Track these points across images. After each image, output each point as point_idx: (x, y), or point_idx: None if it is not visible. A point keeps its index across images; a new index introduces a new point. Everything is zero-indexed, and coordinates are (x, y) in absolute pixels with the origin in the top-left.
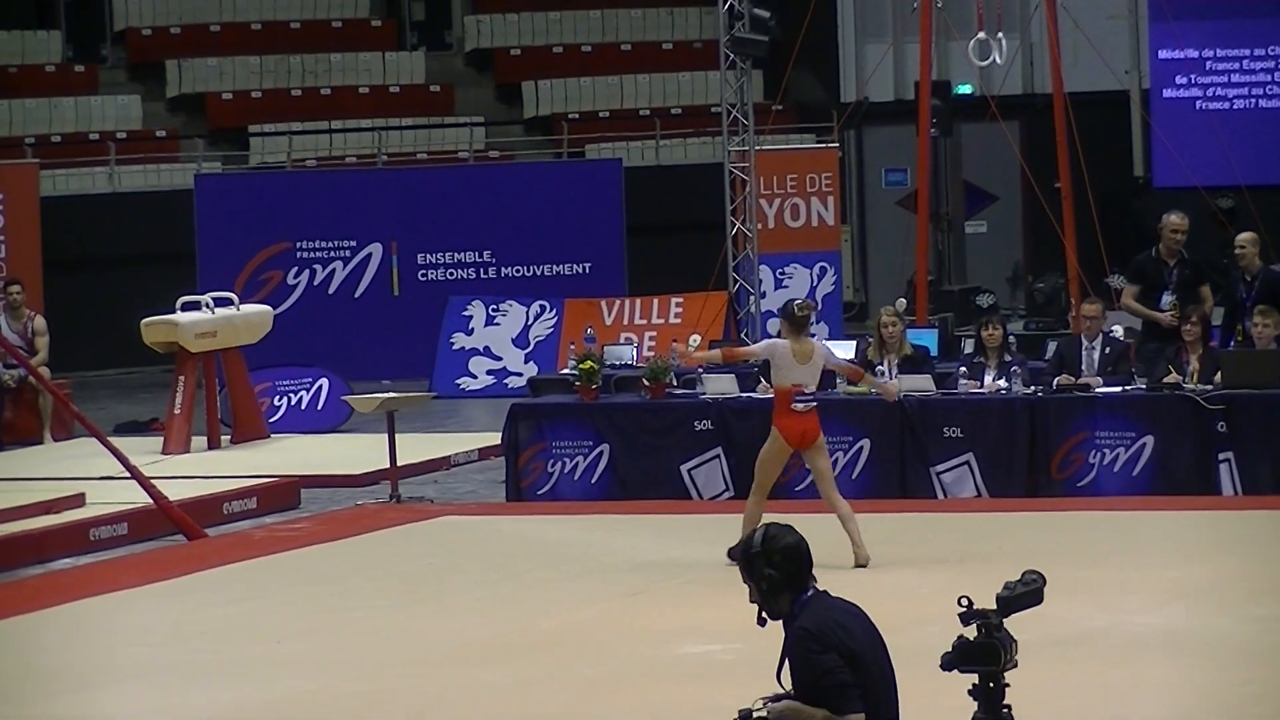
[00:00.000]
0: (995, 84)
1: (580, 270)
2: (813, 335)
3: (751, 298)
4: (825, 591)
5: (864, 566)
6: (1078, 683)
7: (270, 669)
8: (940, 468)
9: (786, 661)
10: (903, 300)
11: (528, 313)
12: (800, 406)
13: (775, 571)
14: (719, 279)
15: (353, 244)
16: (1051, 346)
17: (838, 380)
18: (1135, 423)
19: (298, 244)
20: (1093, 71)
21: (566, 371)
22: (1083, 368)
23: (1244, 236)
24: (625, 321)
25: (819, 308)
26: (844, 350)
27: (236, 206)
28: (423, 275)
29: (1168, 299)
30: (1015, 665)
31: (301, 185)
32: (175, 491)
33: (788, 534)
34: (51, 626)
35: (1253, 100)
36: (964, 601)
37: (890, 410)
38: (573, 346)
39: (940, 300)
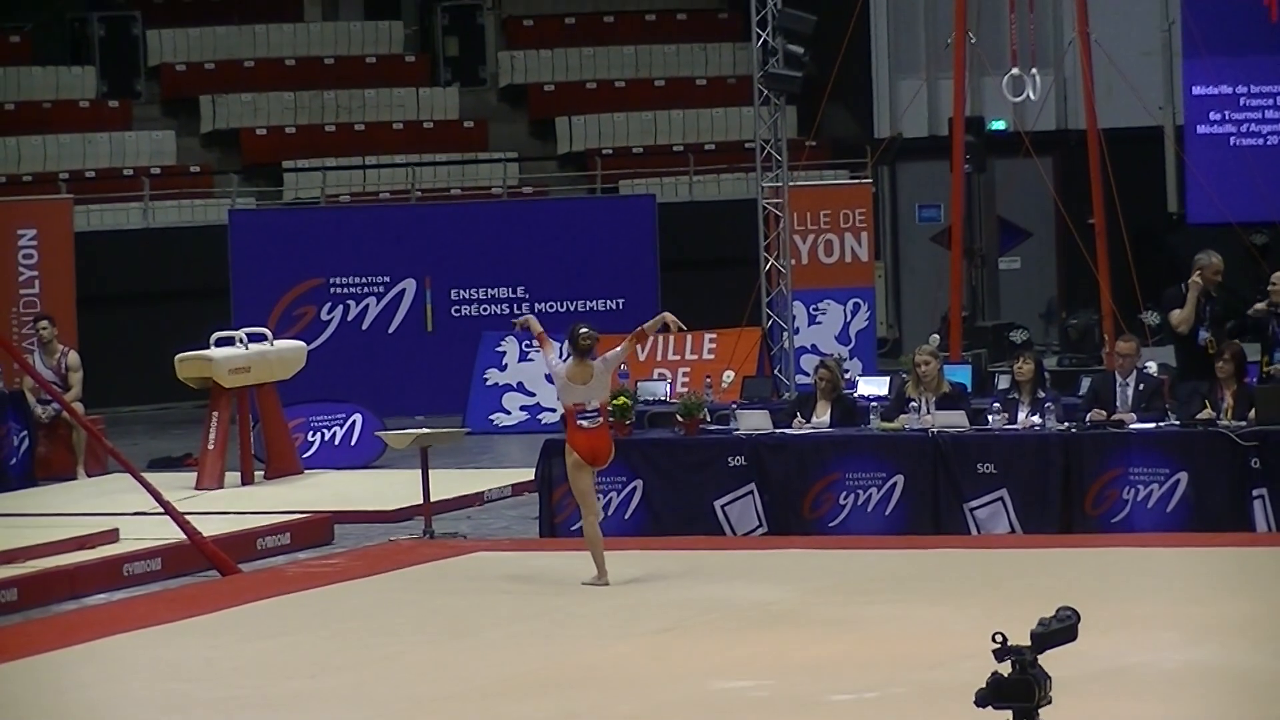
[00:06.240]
0: (1029, 120)
1: (614, 306)
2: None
3: (785, 334)
4: None
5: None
6: (1112, 719)
7: (305, 705)
8: (974, 504)
9: None
10: (936, 336)
11: (561, 349)
12: (585, 423)
13: None
14: (752, 315)
15: (386, 280)
16: (1085, 382)
17: (871, 417)
18: (1169, 459)
19: (331, 280)
20: (1127, 107)
21: None
22: (1117, 404)
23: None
24: (659, 357)
25: (681, 327)
26: (878, 387)
27: (270, 242)
28: (456, 311)
29: (1204, 335)
30: (1050, 702)
31: (335, 221)
32: (209, 527)
33: None
34: (85, 662)
35: None
36: (998, 638)
37: (924, 446)
38: None
39: (974, 336)
